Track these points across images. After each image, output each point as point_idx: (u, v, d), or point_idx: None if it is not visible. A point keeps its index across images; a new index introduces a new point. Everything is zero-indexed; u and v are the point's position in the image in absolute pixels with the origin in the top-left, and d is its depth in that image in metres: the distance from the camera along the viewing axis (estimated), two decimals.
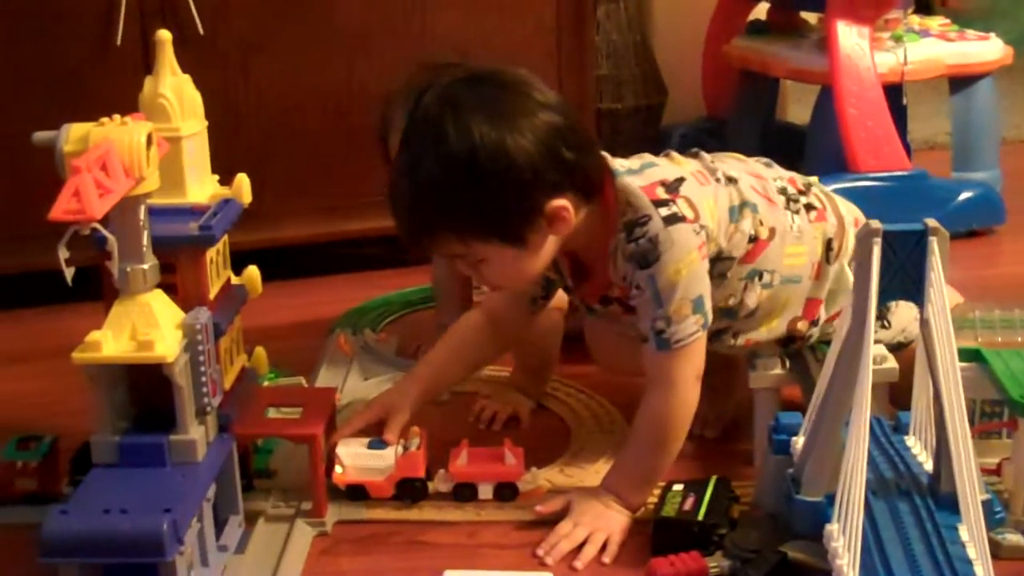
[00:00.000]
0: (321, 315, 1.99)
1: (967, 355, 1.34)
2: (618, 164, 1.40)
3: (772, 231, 1.43)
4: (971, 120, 2.40)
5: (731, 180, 1.42)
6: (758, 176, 1.47)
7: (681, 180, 1.38)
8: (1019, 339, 1.43)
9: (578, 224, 1.36)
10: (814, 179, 1.55)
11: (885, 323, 1.50)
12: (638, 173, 1.39)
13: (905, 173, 2.27)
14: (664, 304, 1.34)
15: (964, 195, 2.31)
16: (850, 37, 2.25)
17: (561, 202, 1.32)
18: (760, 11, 2.60)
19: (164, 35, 1.35)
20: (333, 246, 2.18)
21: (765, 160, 1.54)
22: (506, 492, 1.42)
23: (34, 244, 1.93)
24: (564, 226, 1.34)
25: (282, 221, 2.03)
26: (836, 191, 2.19)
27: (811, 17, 2.55)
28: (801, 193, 1.48)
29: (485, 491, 1.42)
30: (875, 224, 1.13)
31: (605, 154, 1.41)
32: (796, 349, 1.49)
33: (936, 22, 2.50)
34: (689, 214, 1.36)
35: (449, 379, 1.57)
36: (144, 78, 1.36)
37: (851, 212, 1.53)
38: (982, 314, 1.45)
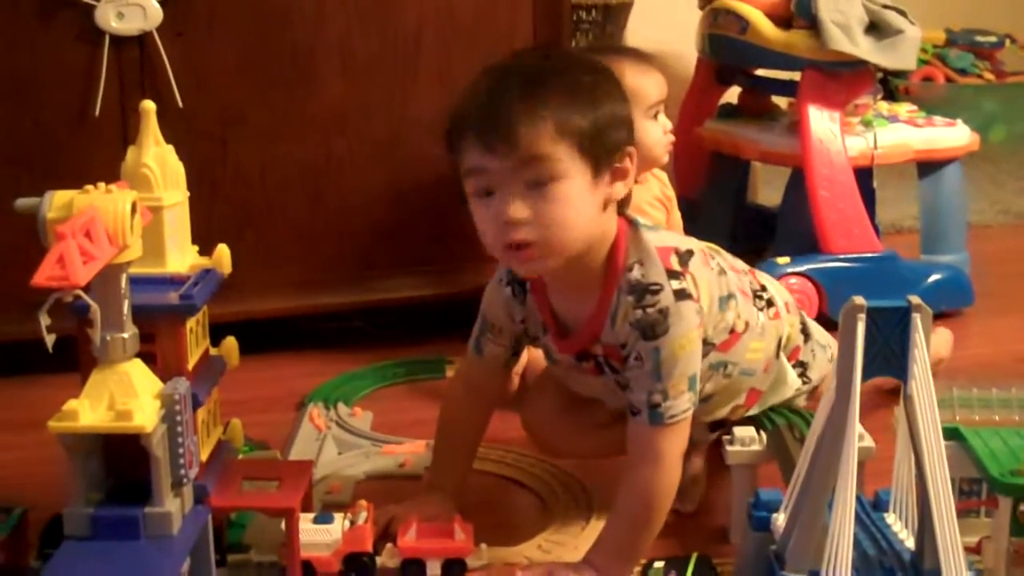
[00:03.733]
0: (293, 389, 1.97)
1: (946, 433, 1.34)
2: (635, 216, 1.39)
3: (747, 325, 1.45)
4: (939, 204, 2.44)
5: (722, 271, 1.44)
6: (736, 270, 1.49)
7: (691, 253, 1.38)
8: (996, 417, 1.44)
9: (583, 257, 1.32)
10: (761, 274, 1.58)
11: (806, 378, 1.54)
12: (653, 231, 1.38)
13: (876, 255, 2.30)
14: (664, 378, 1.33)
15: (933, 277, 2.34)
16: (821, 121, 2.28)
17: (633, 150, 1.33)
18: (732, 95, 2.64)
19: (148, 105, 1.35)
20: (307, 320, 2.16)
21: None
22: (455, 569, 1.39)
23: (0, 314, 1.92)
24: (623, 185, 1.33)
25: (257, 294, 2.01)
26: (808, 271, 2.23)
27: (781, 102, 2.59)
28: (763, 290, 1.51)
29: (433, 567, 1.38)
30: (859, 300, 1.13)
31: None
32: (730, 428, 1.49)
33: (904, 108, 2.55)
34: (695, 293, 1.35)
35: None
36: (120, 149, 1.35)
37: (783, 298, 1.55)
38: (960, 392, 1.46)
